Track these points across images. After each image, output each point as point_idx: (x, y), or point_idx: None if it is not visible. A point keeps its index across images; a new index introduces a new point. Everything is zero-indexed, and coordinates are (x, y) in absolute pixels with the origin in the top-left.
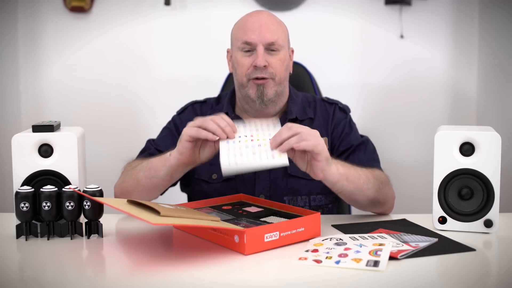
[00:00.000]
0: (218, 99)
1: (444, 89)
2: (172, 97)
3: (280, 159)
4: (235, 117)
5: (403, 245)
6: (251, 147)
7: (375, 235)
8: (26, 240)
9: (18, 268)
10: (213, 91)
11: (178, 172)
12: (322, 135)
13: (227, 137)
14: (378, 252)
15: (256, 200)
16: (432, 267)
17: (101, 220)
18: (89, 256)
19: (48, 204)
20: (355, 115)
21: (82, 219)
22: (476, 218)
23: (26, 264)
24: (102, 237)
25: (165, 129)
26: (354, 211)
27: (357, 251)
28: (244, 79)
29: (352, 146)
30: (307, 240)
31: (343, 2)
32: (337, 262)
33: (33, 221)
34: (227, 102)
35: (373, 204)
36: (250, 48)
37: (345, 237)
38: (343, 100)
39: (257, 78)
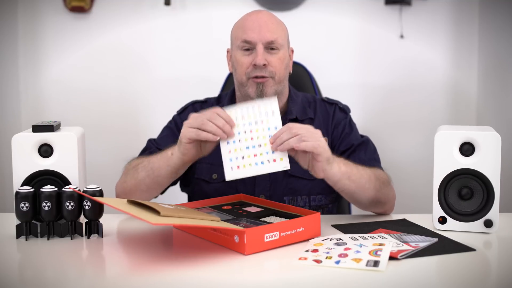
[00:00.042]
0: (218, 99)
1: (444, 89)
2: (172, 97)
3: (281, 163)
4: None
5: (403, 245)
6: (251, 148)
7: (375, 235)
8: (26, 240)
9: (18, 268)
10: (213, 91)
11: (182, 168)
12: (322, 135)
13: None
14: (378, 252)
15: (256, 200)
16: (432, 267)
17: (101, 220)
18: (89, 256)
19: (48, 204)
20: (355, 115)
21: (82, 219)
22: (476, 218)
23: (26, 264)
24: (102, 237)
25: (166, 128)
26: (354, 211)
27: (357, 251)
28: (243, 77)
29: (352, 146)
30: (307, 240)
31: (343, 2)
32: (337, 262)
33: (33, 221)
34: (227, 102)
35: (374, 204)
36: (249, 47)
37: (345, 237)
38: (343, 100)
39: (256, 77)
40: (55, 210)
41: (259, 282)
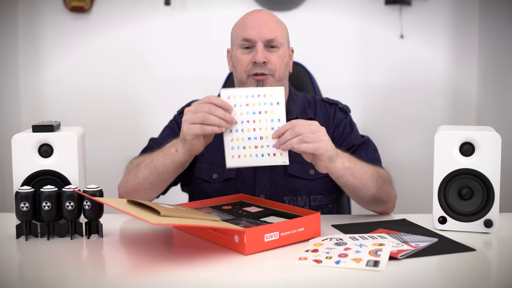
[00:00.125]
0: None
1: (444, 89)
2: (172, 97)
3: (281, 158)
4: None
5: (403, 245)
6: (253, 139)
7: (375, 235)
8: (26, 240)
9: (18, 268)
10: (213, 91)
11: (188, 163)
12: (326, 133)
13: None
14: (378, 252)
15: (256, 200)
16: (432, 267)
17: (101, 220)
18: (89, 256)
19: (48, 204)
20: (355, 115)
21: (82, 219)
22: (476, 218)
23: (26, 264)
24: (102, 237)
25: (167, 128)
26: (354, 211)
27: (357, 251)
28: (243, 75)
29: (353, 146)
30: (307, 240)
31: (343, 2)
32: (337, 262)
33: (33, 221)
34: None
35: (376, 201)
36: (249, 45)
37: (345, 237)
38: (343, 100)
39: (256, 74)
40: (55, 210)
41: (259, 282)
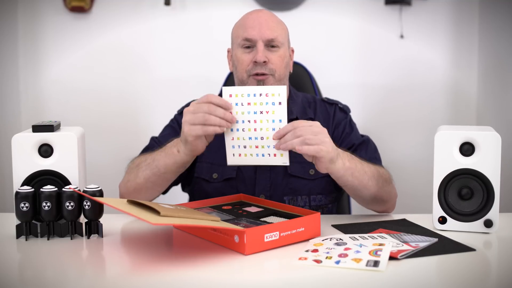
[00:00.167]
0: None
1: (444, 89)
2: (172, 97)
3: (281, 159)
4: None
5: (403, 245)
6: (254, 139)
7: (375, 235)
8: (26, 240)
9: (18, 268)
10: (213, 91)
11: (190, 162)
12: (328, 134)
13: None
14: (378, 252)
15: (256, 200)
16: (432, 267)
17: (101, 220)
18: (89, 256)
19: (48, 204)
20: (355, 115)
21: (82, 219)
22: (476, 218)
23: (26, 264)
24: (102, 237)
25: (168, 127)
26: (354, 211)
27: (357, 251)
28: (244, 75)
29: (353, 146)
30: (307, 240)
31: (343, 2)
32: (337, 262)
33: (33, 221)
34: None
35: (376, 201)
36: (250, 45)
37: (345, 237)
38: (343, 100)
39: (257, 74)
40: (55, 210)
41: (259, 282)
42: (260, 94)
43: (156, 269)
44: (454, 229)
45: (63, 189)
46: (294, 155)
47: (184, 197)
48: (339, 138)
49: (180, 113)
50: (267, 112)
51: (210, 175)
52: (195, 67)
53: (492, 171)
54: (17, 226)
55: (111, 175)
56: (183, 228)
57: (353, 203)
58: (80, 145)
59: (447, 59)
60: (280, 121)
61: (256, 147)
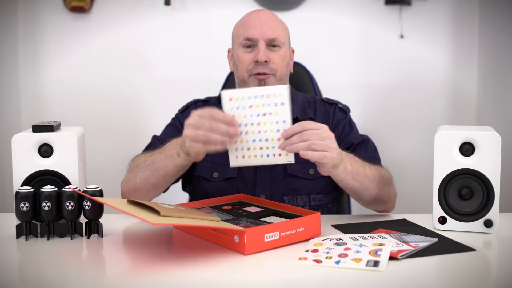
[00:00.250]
0: (219, 98)
1: (444, 89)
2: (172, 97)
3: (286, 158)
4: None
5: (403, 245)
6: (258, 141)
7: (375, 235)
8: (26, 240)
9: (18, 268)
10: (213, 91)
11: (189, 165)
12: (335, 139)
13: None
14: (378, 252)
15: (256, 200)
16: (432, 267)
17: (101, 220)
18: (89, 256)
19: (48, 204)
20: (355, 115)
21: (82, 219)
22: (476, 218)
23: (26, 264)
24: (102, 237)
25: (170, 125)
26: (354, 211)
27: (357, 251)
28: (245, 74)
29: (353, 145)
30: (307, 240)
31: (343, 2)
32: (337, 262)
33: (33, 221)
34: None
35: (376, 202)
36: (251, 44)
37: (345, 237)
38: (343, 100)
39: (258, 74)
40: (55, 210)
41: (259, 282)
42: (262, 96)
43: (156, 269)
44: (454, 229)
45: (63, 189)
46: (295, 155)
47: (184, 197)
48: (338, 137)
49: (181, 111)
50: (270, 114)
51: (210, 174)
52: (195, 67)
53: (492, 171)
54: (17, 226)
55: (111, 175)
56: (183, 228)
57: (353, 203)
58: (80, 145)
59: (447, 59)
60: (284, 121)
61: (261, 148)
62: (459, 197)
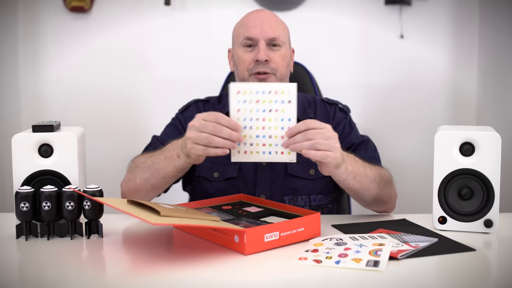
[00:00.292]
0: (219, 98)
1: (444, 89)
2: (172, 97)
3: (289, 156)
4: None
5: (403, 245)
6: (261, 137)
7: (375, 235)
8: (26, 240)
9: (18, 268)
10: (214, 91)
11: (189, 167)
12: (338, 140)
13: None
14: (378, 252)
15: (256, 200)
16: (432, 267)
17: (101, 220)
18: (89, 256)
19: (48, 204)
20: (355, 115)
21: (82, 219)
22: (476, 218)
23: (26, 264)
24: (102, 237)
25: (170, 125)
26: (354, 211)
27: (357, 251)
28: (245, 74)
29: (353, 145)
30: (307, 240)
31: (343, 2)
32: (337, 262)
33: (33, 221)
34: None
35: (377, 202)
36: (251, 43)
37: (345, 237)
38: (343, 100)
39: (258, 73)
40: (55, 210)
41: (259, 282)
42: (270, 92)
43: (156, 269)
44: (454, 229)
45: (63, 189)
46: (297, 154)
47: (184, 197)
48: (338, 137)
49: (181, 111)
50: (276, 111)
51: (211, 174)
52: (195, 67)
53: (492, 171)
54: (17, 226)
55: (111, 175)
56: (183, 228)
57: (353, 203)
58: (80, 145)
59: (447, 59)
60: (289, 119)
61: (263, 145)
62: (459, 197)
